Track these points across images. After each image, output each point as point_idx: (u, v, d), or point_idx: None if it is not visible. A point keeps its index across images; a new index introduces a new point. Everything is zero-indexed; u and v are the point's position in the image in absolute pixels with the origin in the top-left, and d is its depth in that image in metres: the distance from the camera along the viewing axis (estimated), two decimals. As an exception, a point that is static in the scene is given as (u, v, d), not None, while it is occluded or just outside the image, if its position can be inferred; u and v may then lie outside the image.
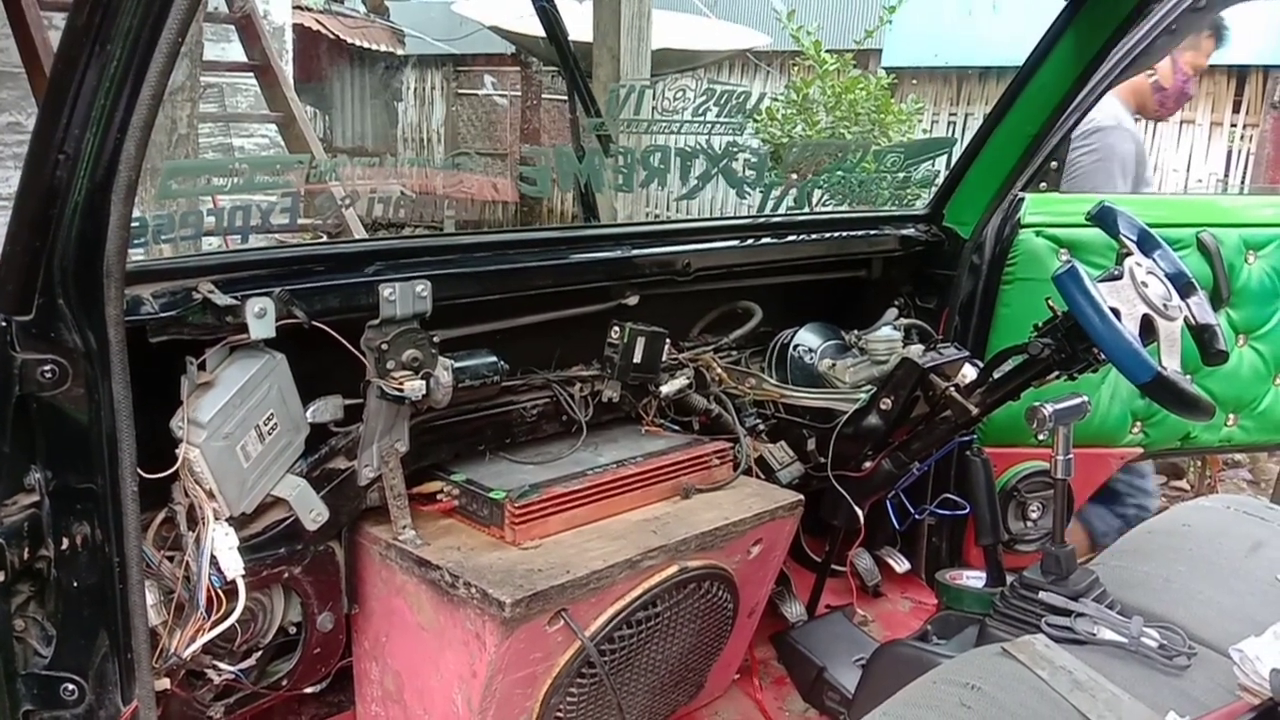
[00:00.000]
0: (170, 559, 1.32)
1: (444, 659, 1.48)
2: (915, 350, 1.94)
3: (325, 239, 4.29)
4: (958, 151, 2.26)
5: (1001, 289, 2.17)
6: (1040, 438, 1.36)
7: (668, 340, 1.81)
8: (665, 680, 1.69)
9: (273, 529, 1.41)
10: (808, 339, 2.05)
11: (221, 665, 1.40)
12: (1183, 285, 1.61)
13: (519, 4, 8.67)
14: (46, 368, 1.08)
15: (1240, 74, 7.49)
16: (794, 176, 2.13)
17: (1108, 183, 2.71)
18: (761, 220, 2.08)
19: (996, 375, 1.78)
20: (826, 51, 7.06)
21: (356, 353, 1.42)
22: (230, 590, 1.30)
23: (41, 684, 1.17)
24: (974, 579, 1.89)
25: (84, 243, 1.05)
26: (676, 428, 1.90)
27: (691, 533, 1.59)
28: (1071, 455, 1.36)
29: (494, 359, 1.53)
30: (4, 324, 1.06)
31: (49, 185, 1.03)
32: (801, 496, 1.77)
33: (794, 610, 2.07)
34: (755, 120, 6.60)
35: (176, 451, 1.29)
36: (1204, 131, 7.69)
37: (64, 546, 1.14)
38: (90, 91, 1.00)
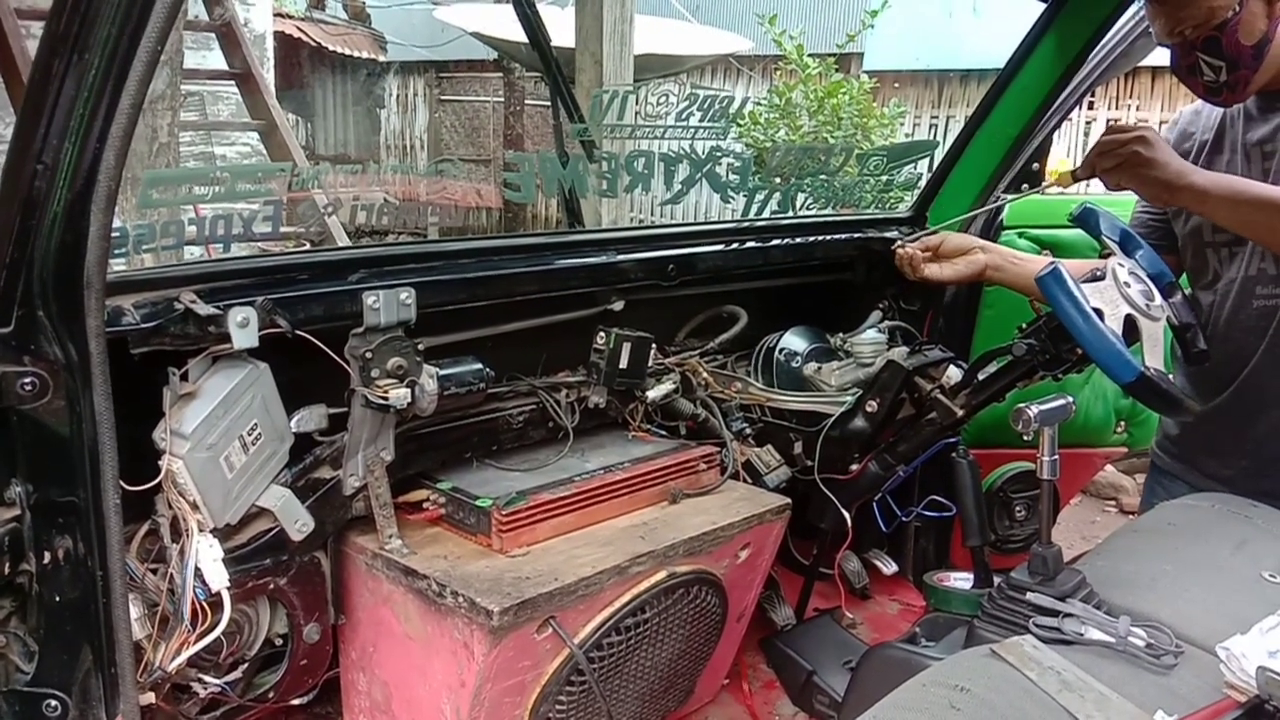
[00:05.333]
0: (154, 571, 1.31)
1: (432, 669, 1.48)
2: (900, 353, 1.94)
3: (308, 247, 4.27)
4: (940, 154, 2.28)
5: (984, 291, 2.18)
6: (1026, 439, 1.36)
7: (654, 345, 1.81)
8: (655, 686, 1.68)
9: (258, 540, 1.40)
10: (793, 342, 2.05)
11: (207, 678, 1.39)
12: (1165, 285, 1.62)
13: (501, 10, 8.68)
14: (27, 380, 1.07)
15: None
16: (778, 180, 2.14)
17: None
18: (746, 224, 2.08)
19: (981, 377, 1.78)
20: (809, 55, 7.10)
21: (340, 361, 1.41)
22: (215, 602, 1.29)
23: (23, 701, 1.16)
24: (961, 580, 1.89)
25: (64, 253, 1.04)
26: (663, 433, 1.90)
27: (680, 538, 1.59)
28: (1057, 456, 1.36)
29: (479, 366, 1.52)
30: (-17, 336, 1.05)
31: (27, 196, 1.02)
32: (789, 500, 1.77)
33: (783, 614, 2.07)
34: (738, 125, 6.62)
35: (159, 463, 1.28)
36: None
37: (46, 561, 1.13)
38: (69, 101, 0.99)
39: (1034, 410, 1.33)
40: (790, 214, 2.17)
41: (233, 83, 6.20)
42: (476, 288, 1.60)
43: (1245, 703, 1.04)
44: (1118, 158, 1.61)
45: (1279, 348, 1.66)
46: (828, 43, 8.20)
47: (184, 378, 1.29)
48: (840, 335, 2.08)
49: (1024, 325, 1.67)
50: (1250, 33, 1.56)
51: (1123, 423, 2.35)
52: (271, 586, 1.42)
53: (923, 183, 2.28)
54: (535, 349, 1.75)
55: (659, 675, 1.67)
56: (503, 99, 11.97)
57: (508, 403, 1.70)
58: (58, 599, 1.15)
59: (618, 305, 1.80)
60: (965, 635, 1.41)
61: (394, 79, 12.99)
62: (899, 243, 2.03)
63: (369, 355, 1.42)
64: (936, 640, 1.61)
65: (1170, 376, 1.56)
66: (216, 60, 6.20)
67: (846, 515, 1.94)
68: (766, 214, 2.09)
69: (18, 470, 1.11)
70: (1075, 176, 1.74)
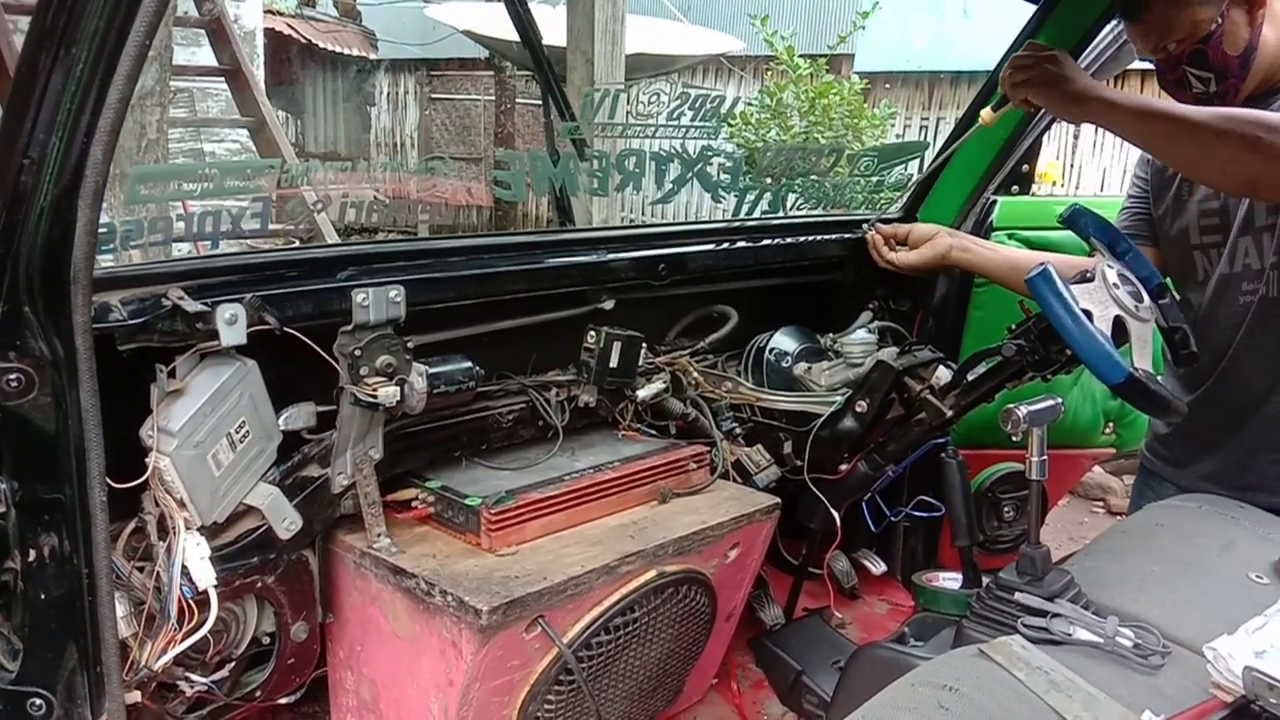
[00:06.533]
0: (141, 570, 1.30)
1: (420, 668, 1.47)
2: (890, 353, 1.94)
3: (297, 244, 4.26)
4: (930, 155, 2.28)
5: (974, 291, 2.19)
6: (1014, 439, 1.36)
7: (644, 344, 1.81)
8: (643, 686, 1.68)
9: (245, 538, 1.39)
10: (783, 342, 2.05)
11: (194, 677, 1.38)
12: (1154, 287, 1.63)
13: (492, 8, 8.66)
14: (12, 376, 1.06)
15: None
16: (769, 181, 2.14)
17: None
18: (736, 224, 2.08)
19: (970, 377, 1.78)
20: (800, 56, 7.11)
21: (329, 359, 1.40)
22: (202, 601, 1.28)
23: (8, 699, 1.15)
24: (950, 580, 1.89)
25: (50, 249, 1.04)
26: (653, 432, 1.90)
27: (669, 537, 1.59)
28: (1046, 456, 1.36)
29: (469, 364, 1.52)
30: (-33, 332, 1.04)
31: (13, 191, 1.01)
32: (778, 500, 1.77)
33: (772, 613, 2.07)
34: (730, 125, 6.62)
35: (146, 460, 1.27)
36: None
37: (31, 558, 1.12)
38: (55, 95, 0.98)
39: (1023, 411, 1.33)
40: (781, 214, 2.18)
41: (222, 79, 6.18)
42: (466, 286, 1.59)
43: (1232, 703, 1.04)
44: (1027, 73, 1.63)
45: (1255, 339, 1.66)
46: (819, 44, 8.22)
47: (171, 375, 1.28)
48: (830, 335, 2.08)
49: (1013, 326, 1.67)
50: (1235, 43, 1.56)
51: (1111, 424, 2.35)
52: (259, 585, 1.42)
53: (913, 183, 2.29)
54: (525, 347, 1.75)
55: (648, 675, 1.67)
56: (494, 97, 11.95)
57: (497, 401, 1.70)
58: (43, 597, 1.14)
59: (608, 304, 1.80)
60: (954, 635, 1.41)
61: (384, 76, 12.96)
62: (864, 226, 2.08)
63: (358, 353, 1.41)
64: (925, 640, 1.62)
65: (1159, 378, 1.57)
66: (206, 56, 6.18)
67: (836, 515, 1.94)
68: (757, 214, 2.09)
69: (2, 467, 1.10)
70: (995, 107, 1.80)
